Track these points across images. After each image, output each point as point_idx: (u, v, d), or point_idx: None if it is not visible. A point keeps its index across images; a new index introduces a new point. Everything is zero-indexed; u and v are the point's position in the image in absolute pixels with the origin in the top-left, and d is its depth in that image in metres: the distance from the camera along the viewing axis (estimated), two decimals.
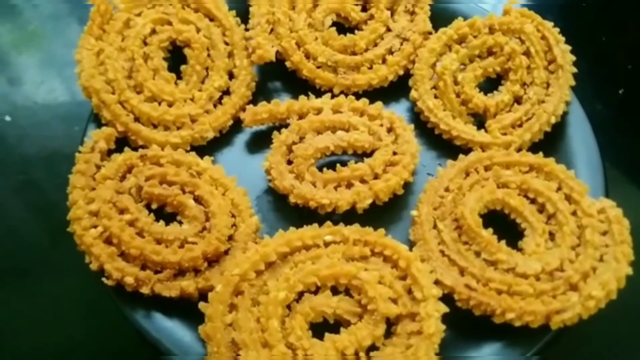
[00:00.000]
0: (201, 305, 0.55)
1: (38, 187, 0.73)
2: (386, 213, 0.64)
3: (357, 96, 0.68)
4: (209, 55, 0.71)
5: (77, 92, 0.68)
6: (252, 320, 0.54)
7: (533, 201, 0.62)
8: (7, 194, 0.73)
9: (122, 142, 0.65)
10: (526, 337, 0.56)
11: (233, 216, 0.61)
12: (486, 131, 0.67)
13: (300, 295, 0.55)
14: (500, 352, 0.57)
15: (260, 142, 0.68)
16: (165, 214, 0.61)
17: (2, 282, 0.67)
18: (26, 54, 0.84)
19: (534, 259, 0.58)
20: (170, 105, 0.67)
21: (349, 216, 0.62)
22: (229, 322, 0.54)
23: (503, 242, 0.59)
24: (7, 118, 0.78)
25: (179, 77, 0.70)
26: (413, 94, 0.69)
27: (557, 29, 0.70)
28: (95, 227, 0.58)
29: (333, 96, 0.69)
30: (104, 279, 0.57)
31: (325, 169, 0.64)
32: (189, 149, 0.66)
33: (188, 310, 0.56)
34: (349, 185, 0.63)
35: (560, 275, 0.57)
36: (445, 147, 0.68)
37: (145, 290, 0.56)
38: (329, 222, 0.59)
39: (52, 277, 0.67)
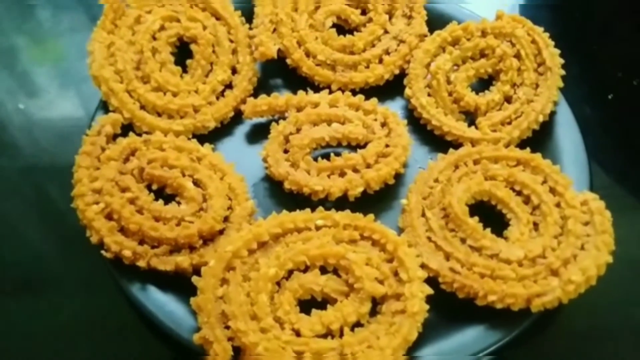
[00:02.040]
0: (194, 278, 0.56)
1: (51, 202, 0.74)
2: (377, 202, 0.65)
3: (354, 93, 0.70)
4: (214, 51, 0.74)
5: (93, 107, 0.72)
6: (242, 294, 0.55)
7: (519, 193, 0.64)
8: (20, 207, 0.74)
9: (128, 129, 0.67)
10: (508, 319, 0.58)
11: (230, 199, 0.62)
12: (477, 128, 0.69)
13: (290, 273, 0.57)
14: (482, 333, 0.58)
15: (259, 133, 0.70)
16: (165, 195, 0.63)
17: (11, 293, 0.68)
18: (45, 68, 0.86)
19: (517, 246, 0.59)
20: (174, 95, 0.71)
21: (341, 204, 0.63)
22: (220, 295, 0.55)
23: (488, 230, 0.60)
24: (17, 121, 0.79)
25: (185, 71, 0.74)
26: (407, 91, 0.71)
27: (547, 34, 0.72)
28: (97, 203, 0.61)
29: (331, 92, 0.72)
30: (103, 252, 0.59)
31: (320, 159, 0.65)
32: (190, 137, 0.68)
33: (182, 285, 0.58)
34: (342, 174, 0.65)
35: (542, 262, 0.58)
36: (437, 143, 0.69)
37: (141, 263, 0.58)
38: (321, 208, 0.60)
39: (61, 289, 0.67)
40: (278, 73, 0.77)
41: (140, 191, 0.63)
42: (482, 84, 0.74)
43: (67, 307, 0.65)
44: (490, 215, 0.62)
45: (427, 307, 0.55)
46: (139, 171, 0.63)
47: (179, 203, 0.62)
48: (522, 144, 0.68)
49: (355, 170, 0.65)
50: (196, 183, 0.63)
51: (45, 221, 0.73)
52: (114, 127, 0.67)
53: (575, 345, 0.63)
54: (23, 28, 0.90)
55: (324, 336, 0.54)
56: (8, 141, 0.79)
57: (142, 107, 0.68)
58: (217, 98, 0.71)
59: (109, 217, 0.60)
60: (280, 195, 0.66)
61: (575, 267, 0.58)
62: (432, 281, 0.57)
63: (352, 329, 0.56)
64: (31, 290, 0.67)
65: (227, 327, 0.55)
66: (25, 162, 0.77)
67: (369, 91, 0.72)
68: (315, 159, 0.65)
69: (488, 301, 0.56)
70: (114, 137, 0.65)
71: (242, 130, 0.72)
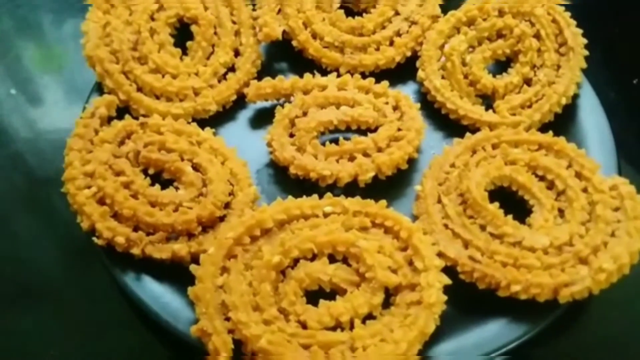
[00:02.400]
0: (192, 267, 0.52)
1: (55, 210, 0.70)
2: (389, 188, 0.62)
3: (364, 77, 0.67)
4: (215, 32, 0.70)
5: None
6: (244, 284, 0.52)
7: (542, 178, 0.60)
8: (23, 216, 0.71)
9: (124, 112, 0.64)
10: (533, 312, 0.53)
11: (231, 185, 0.59)
12: (494, 112, 0.65)
13: (296, 262, 0.54)
14: (505, 327, 0.54)
15: (263, 118, 0.67)
16: (162, 180, 0.60)
17: (13, 303, 0.64)
18: (48, 75, 0.83)
19: (542, 233, 0.55)
20: (174, 78, 0.67)
21: (351, 190, 0.60)
22: (220, 284, 0.52)
23: (510, 216, 0.56)
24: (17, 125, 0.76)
25: (185, 53, 0.70)
26: (420, 74, 0.68)
27: (569, 13, 0.68)
28: (89, 188, 0.57)
29: (339, 76, 0.68)
30: (94, 239, 0.55)
31: (328, 144, 0.62)
32: (190, 121, 0.65)
33: (179, 275, 0.54)
34: (352, 159, 0.61)
35: (569, 250, 0.54)
36: (452, 128, 0.66)
37: (136, 251, 0.55)
38: (329, 194, 0.57)
39: (63, 299, 0.63)
40: (283, 56, 0.73)
41: (136, 175, 0.59)
42: (500, 66, 0.70)
43: (68, 315, 0.62)
44: (511, 203, 0.58)
45: (444, 298, 0.52)
46: (135, 155, 0.60)
47: (177, 189, 0.59)
48: (543, 129, 0.63)
49: (366, 155, 0.62)
50: (195, 167, 0.60)
51: (51, 233, 0.69)
52: (108, 109, 0.63)
53: (607, 343, 0.58)
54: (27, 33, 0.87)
55: (333, 329, 0.51)
56: (12, 151, 0.75)
57: (139, 90, 0.65)
58: (219, 81, 0.68)
59: (101, 202, 0.56)
60: (286, 181, 0.63)
61: (606, 255, 0.53)
62: (449, 271, 0.54)
63: (363, 322, 0.52)
64: (33, 298, 0.63)
65: (228, 319, 0.51)
66: (31, 173, 0.74)
67: (379, 75, 0.68)
68: (323, 145, 0.62)
69: (511, 292, 0.52)
70: (108, 120, 0.62)
71: (245, 114, 0.69)
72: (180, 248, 0.55)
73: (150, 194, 0.57)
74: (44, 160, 0.74)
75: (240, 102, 0.68)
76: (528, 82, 0.67)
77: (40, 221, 0.69)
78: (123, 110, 0.64)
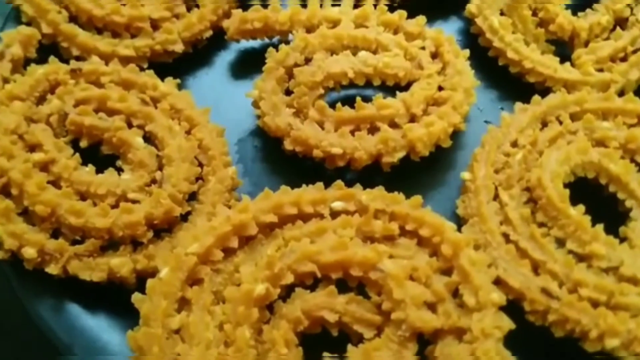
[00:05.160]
0: (135, 298, 0.40)
1: None
2: (424, 174, 0.50)
3: (392, 9, 0.54)
4: None
5: None
6: (212, 327, 0.39)
7: None
8: None
9: (49, 53, 0.50)
10: None
11: (200, 165, 0.47)
12: (573, 65, 0.53)
13: (289, 290, 0.41)
14: None
15: (249, 63, 0.55)
16: (99, 157, 0.46)
17: None
18: None
19: None
20: (122, 4, 0.53)
21: (370, 176, 0.49)
22: (176, 327, 0.39)
23: (600, 226, 0.44)
24: None
25: None
26: (470, 7, 0.55)
27: None
28: None
29: (357, 6, 0.55)
30: None
31: (339, 106, 0.50)
32: (146, 66, 0.52)
33: (119, 301, 0.41)
34: (373, 130, 0.49)
35: None
36: (511, 85, 0.54)
37: (54, 269, 0.41)
38: (339, 182, 0.45)
39: None
40: None
41: (59, 150, 0.45)
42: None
43: None
44: (595, 199, 0.46)
45: (506, 353, 0.39)
46: (60, 118, 0.46)
47: (120, 171, 0.46)
48: None
49: (394, 125, 0.49)
50: (149, 138, 0.47)
51: None
52: (25, 47, 0.49)
53: None
54: None
55: None
56: None
57: (73, 19, 0.51)
58: (188, 9, 0.54)
59: (4, 192, 0.43)
60: (278, 158, 0.51)
61: None
62: (513, 307, 0.41)
63: None
64: None
65: None
66: None
67: (412, 7, 0.54)
68: (333, 106, 0.49)
69: (605, 347, 0.40)
70: (25, 65, 0.48)
71: (224, 58, 0.56)
72: (121, 264, 0.41)
73: (79, 180, 0.44)
74: None
75: (218, 39, 0.55)
76: (621, 23, 0.54)
77: None
78: (48, 50, 0.51)
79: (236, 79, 0.54)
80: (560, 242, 0.44)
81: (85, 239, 0.42)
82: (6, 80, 0.46)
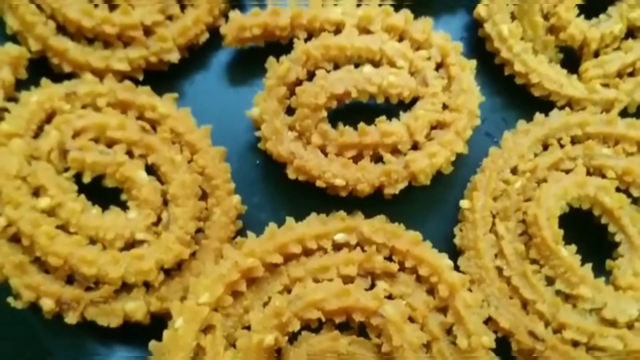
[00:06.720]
0: (153, 346, 0.39)
1: None
2: (424, 195, 0.48)
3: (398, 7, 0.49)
4: None
5: None
6: None
7: (637, 200, 0.45)
8: None
9: (39, 68, 0.45)
10: None
11: (204, 194, 0.44)
12: (579, 77, 0.50)
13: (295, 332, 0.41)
14: None
15: (248, 67, 0.51)
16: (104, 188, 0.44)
17: None
18: None
19: (630, 298, 0.42)
20: (110, 9, 0.46)
21: (371, 195, 0.46)
22: None
23: (588, 266, 0.43)
24: None
25: None
26: (480, 10, 0.51)
27: None
28: None
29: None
30: (10, 299, 0.39)
31: (340, 125, 0.46)
32: (142, 79, 0.48)
33: (135, 336, 0.41)
34: (375, 157, 0.46)
35: None
36: (515, 94, 0.51)
37: (72, 318, 0.40)
38: (342, 213, 0.45)
39: None
40: None
41: (64, 192, 0.41)
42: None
43: None
44: (585, 225, 0.46)
45: None
46: (61, 153, 0.42)
47: (124, 203, 0.43)
48: None
49: (396, 151, 0.46)
50: (151, 167, 0.44)
51: None
52: (15, 69, 0.44)
53: None
54: None
55: None
56: None
57: (61, 29, 0.46)
58: (182, 8, 0.48)
59: (14, 238, 0.40)
60: (281, 179, 0.46)
61: None
62: (501, 342, 0.42)
63: None
64: None
65: None
66: None
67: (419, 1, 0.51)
68: (334, 120, 0.46)
69: None
70: (17, 87, 0.44)
71: (221, 60, 0.51)
72: (136, 309, 0.41)
73: (87, 225, 0.41)
74: None
75: (214, 41, 0.50)
76: (634, 31, 0.50)
77: None
78: (38, 63, 0.45)
79: (234, 83, 0.50)
80: (550, 280, 0.44)
81: (99, 284, 0.40)
82: (0, 109, 0.42)
